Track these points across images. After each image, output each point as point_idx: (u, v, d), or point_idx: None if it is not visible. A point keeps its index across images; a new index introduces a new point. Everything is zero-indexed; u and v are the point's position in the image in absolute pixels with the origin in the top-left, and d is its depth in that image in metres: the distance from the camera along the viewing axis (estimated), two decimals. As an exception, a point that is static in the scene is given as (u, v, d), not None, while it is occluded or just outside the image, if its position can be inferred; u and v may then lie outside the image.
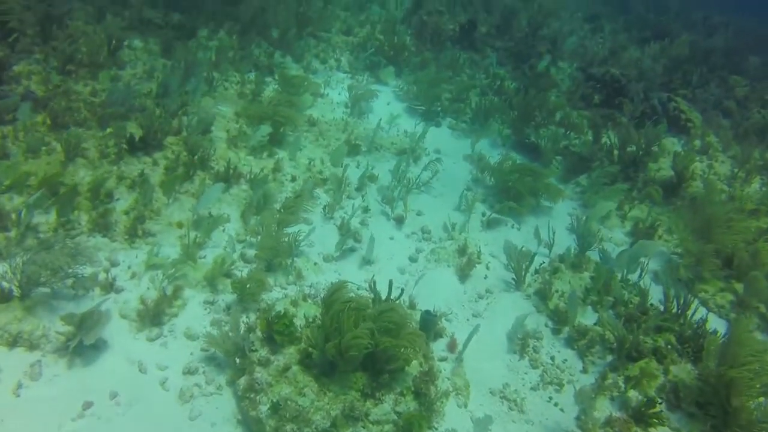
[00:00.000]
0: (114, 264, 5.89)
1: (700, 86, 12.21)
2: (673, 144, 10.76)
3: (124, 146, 7.23)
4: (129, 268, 5.89)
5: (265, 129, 8.21)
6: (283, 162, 8.21)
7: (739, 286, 7.68)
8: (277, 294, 6.07)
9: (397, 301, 5.61)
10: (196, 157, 7.39)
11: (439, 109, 11.06)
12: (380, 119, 9.81)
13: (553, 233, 7.80)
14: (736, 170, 10.05)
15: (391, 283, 5.80)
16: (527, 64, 12.52)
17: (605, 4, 19.88)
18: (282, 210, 7.00)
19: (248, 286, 5.75)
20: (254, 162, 8.03)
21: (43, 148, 6.93)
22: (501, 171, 8.90)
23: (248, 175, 7.54)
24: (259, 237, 6.51)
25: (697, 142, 10.73)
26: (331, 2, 14.85)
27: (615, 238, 8.51)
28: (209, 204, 6.77)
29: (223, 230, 6.77)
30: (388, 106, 11.08)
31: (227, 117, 8.84)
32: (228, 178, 7.40)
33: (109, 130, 7.47)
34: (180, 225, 6.56)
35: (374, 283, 5.84)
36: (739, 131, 11.26)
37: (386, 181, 8.55)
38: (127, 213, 6.45)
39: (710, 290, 7.67)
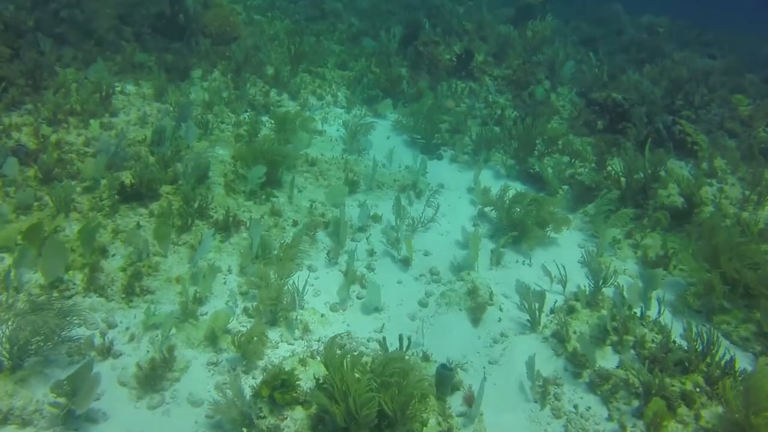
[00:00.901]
0: (111, 326, 5.60)
1: (702, 107, 12.03)
2: (681, 168, 10.54)
3: (118, 198, 6.99)
4: (127, 329, 5.59)
5: (260, 170, 7.96)
6: (283, 206, 7.97)
7: (759, 315, 7.38)
8: (284, 350, 5.76)
9: (408, 353, 5.32)
10: (193, 205, 7.14)
11: (440, 141, 10.86)
12: (374, 156, 9.60)
13: (564, 269, 7.51)
14: (747, 192, 9.81)
15: (401, 338, 5.51)
16: (527, 92, 12.35)
17: (598, 26, 19.87)
18: (281, 258, 6.73)
19: (250, 343, 5.45)
20: (254, 207, 7.78)
21: (35, 203, 6.68)
22: (504, 205, 8.63)
23: (248, 222, 7.29)
24: (260, 289, 6.23)
25: (705, 165, 10.52)
26: (325, 37, 14.79)
27: (629, 269, 8.22)
28: (205, 255, 6.50)
29: (224, 282, 6.49)
30: (387, 140, 10.89)
31: (224, 161, 8.61)
32: (228, 226, 7.14)
33: (103, 181, 7.23)
34: (179, 280, 6.28)
35: (384, 339, 5.55)
36: (746, 152, 11.05)
37: (390, 220, 8.29)
38: (123, 270, 6.18)
39: (732, 321, 7.37)
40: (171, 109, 9.58)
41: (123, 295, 5.92)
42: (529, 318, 6.78)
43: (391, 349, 5.66)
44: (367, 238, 7.85)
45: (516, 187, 9.81)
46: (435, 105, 11.82)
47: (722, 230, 8.04)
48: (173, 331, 5.56)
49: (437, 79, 12.71)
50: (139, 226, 6.76)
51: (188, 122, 8.88)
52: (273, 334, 5.91)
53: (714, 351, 6.26)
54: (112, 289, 5.94)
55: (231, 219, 7.18)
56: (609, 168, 10.02)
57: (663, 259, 8.34)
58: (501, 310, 6.99)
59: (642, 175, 9.44)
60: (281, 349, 5.76)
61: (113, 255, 6.35)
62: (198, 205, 7.22)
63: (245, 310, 6.15)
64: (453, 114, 11.52)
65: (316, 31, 15.06)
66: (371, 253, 7.57)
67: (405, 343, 5.66)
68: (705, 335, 6.31)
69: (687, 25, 21.36)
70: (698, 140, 10.58)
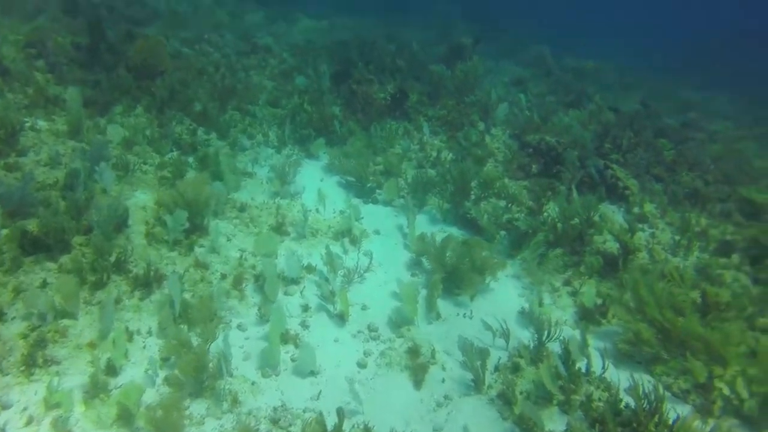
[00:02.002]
0: (5, 406, 4.87)
1: (629, 151, 12.29)
2: (613, 212, 10.64)
3: (21, 250, 6.26)
4: (25, 410, 4.88)
5: (182, 216, 7.39)
6: (211, 257, 7.41)
7: (695, 364, 7.36)
8: (211, 427, 5.19)
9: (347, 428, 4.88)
10: (109, 259, 6.49)
11: (374, 184, 10.56)
12: (307, 201, 9.20)
13: (506, 324, 7.27)
14: (677, 238, 9.96)
15: (340, 413, 5.07)
16: (461, 133, 12.27)
17: (527, 68, 20.32)
18: (203, 318, 6.18)
19: (168, 421, 4.87)
20: (178, 259, 7.18)
21: None
22: (439, 254, 8.35)
23: (173, 276, 6.69)
24: (180, 354, 5.65)
25: (637, 210, 10.66)
26: (256, 72, 14.35)
27: (569, 320, 8.08)
28: (111, 323, 5.84)
29: (144, 347, 5.86)
30: (321, 182, 10.50)
31: (146, 206, 7.97)
32: (149, 281, 6.52)
33: (4, 231, 6.48)
34: (92, 346, 5.61)
35: (321, 414, 5.08)
36: (671, 196, 11.30)
37: (326, 270, 7.85)
38: (24, 336, 5.46)
39: (671, 372, 7.30)
40: (87, 148, 8.86)
41: (22, 368, 5.20)
42: (473, 377, 6.47)
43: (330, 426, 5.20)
44: (300, 292, 7.38)
45: (452, 233, 9.62)
46: (369, 146, 11.57)
47: (649, 280, 8.03)
48: (81, 409, 4.90)
49: (371, 119, 12.45)
50: (45, 283, 6.05)
51: (105, 163, 8.19)
52: (198, 408, 5.33)
53: (662, 409, 6.12)
54: (8, 361, 5.22)
55: (152, 273, 6.57)
56: (545, 213, 9.98)
57: (600, 307, 8.26)
58: (444, 369, 6.65)
59: (578, 220, 9.43)
60: (207, 426, 5.18)
61: (12, 318, 5.63)
62: (115, 258, 6.58)
63: (167, 379, 5.54)
64: (389, 155, 11.27)
65: (247, 66, 14.60)
66: (305, 308, 7.10)
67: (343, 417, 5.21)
68: (652, 394, 6.17)
69: (611, 68, 22.16)
70: (629, 185, 10.73)
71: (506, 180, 11.14)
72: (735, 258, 9.73)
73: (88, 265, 6.36)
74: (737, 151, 14.00)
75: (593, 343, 7.54)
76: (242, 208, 8.76)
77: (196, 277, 6.97)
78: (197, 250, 7.51)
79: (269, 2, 23.34)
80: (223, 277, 7.15)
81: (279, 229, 8.49)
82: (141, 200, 8.08)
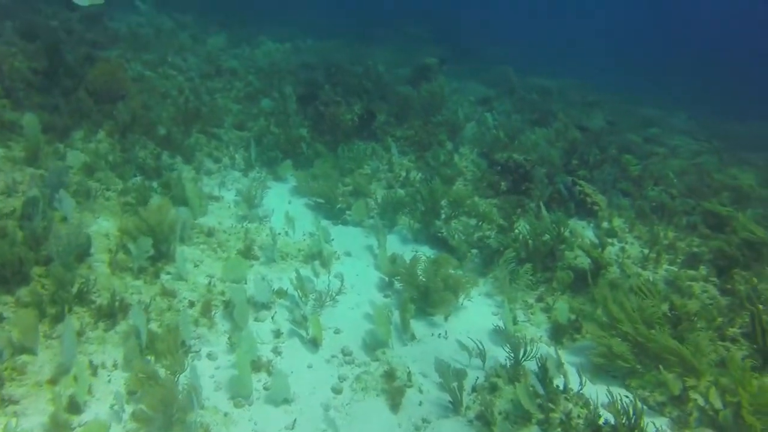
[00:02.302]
0: (-41, 451, 4.59)
1: (596, 167, 12.45)
2: (583, 228, 10.71)
3: (-22, 284, 5.98)
4: (-20, 455, 4.61)
5: (146, 242, 7.17)
6: (178, 284, 7.18)
7: (668, 377, 7.37)
8: (181, 462, 4.97)
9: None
10: (71, 290, 6.24)
11: (344, 205, 10.45)
12: (276, 224, 9.05)
13: (482, 344, 7.20)
14: (646, 251, 10.06)
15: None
16: (430, 153, 12.28)
17: (491, 87, 20.55)
18: (170, 348, 5.96)
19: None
20: (144, 288, 6.94)
21: None
22: (410, 274, 8.26)
23: (140, 306, 6.45)
24: (147, 387, 5.41)
25: (606, 225, 10.75)
26: (221, 95, 14.19)
27: (545, 336, 8.05)
28: (73, 354, 5.58)
29: (109, 381, 5.61)
30: (289, 204, 10.37)
31: (109, 234, 7.72)
32: (113, 312, 6.27)
33: (-41, 264, 6.18)
34: (53, 383, 5.34)
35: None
36: (639, 211, 11.44)
37: (296, 295, 7.68)
38: (-20, 375, 5.18)
39: (647, 386, 7.29)
40: (46, 175, 8.57)
41: (-22, 408, 4.92)
42: (450, 399, 6.36)
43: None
44: (272, 317, 7.19)
45: (424, 252, 9.57)
46: (337, 167, 11.50)
47: (619, 296, 8.05)
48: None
49: (339, 140, 12.38)
50: (1, 318, 5.77)
51: (64, 190, 7.92)
52: (167, 443, 5.10)
53: (641, 424, 6.09)
54: (-37, 402, 4.93)
55: (117, 303, 6.32)
56: (516, 230, 9.99)
57: (574, 323, 8.25)
58: (421, 391, 6.52)
59: (548, 237, 9.45)
60: (178, 462, 4.97)
61: (-32, 356, 5.34)
62: (77, 289, 6.32)
63: (134, 414, 5.29)
64: (358, 176, 11.20)
65: (212, 89, 14.43)
66: (277, 334, 6.92)
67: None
68: (630, 409, 6.13)
69: (573, 86, 22.55)
70: (597, 200, 10.84)
71: (476, 198, 11.15)
72: (702, 270, 9.87)
73: (47, 298, 6.10)
74: (698, 165, 14.31)
75: (569, 358, 7.52)
76: (209, 233, 8.56)
77: (162, 306, 6.74)
78: (163, 277, 7.28)
79: (232, 25, 23.28)
80: (191, 304, 6.93)
81: (248, 253, 8.31)
82: (104, 227, 7.83)
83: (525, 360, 6.99)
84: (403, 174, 11.71)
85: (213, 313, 6.91)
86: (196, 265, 7.77)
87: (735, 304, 8.95)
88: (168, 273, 7.39)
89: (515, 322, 8.14)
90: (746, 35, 49.31)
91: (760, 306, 8.80)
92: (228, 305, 7.10)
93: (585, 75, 24.56)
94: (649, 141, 16.26)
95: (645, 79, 29.25)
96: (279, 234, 9.09)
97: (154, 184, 9.49)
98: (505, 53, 26.44)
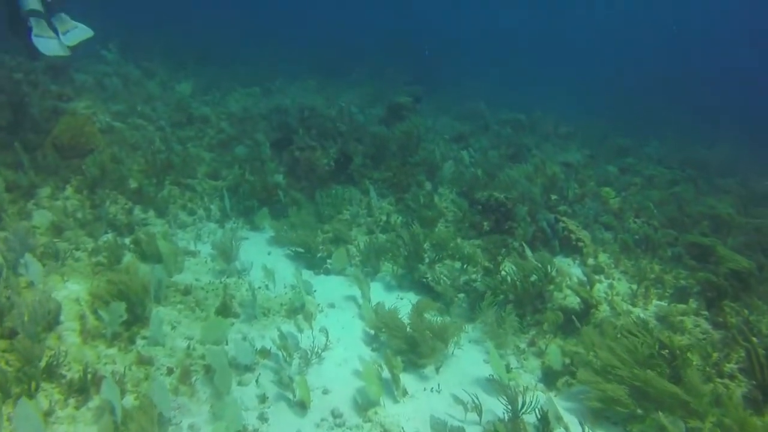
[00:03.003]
0: None
1: (576, 201, 12.37)
2: (569, 266, 10.55)
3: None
4: None
5: (119, 307, 6.77)
6: (155, 350, 6.79)
7: (666, 422, 7.12)
8: None
9: None
10: (38, 365, 5.81)
11: (325, 254, 10.16)
12: (255, 278, 8.72)
13: (477, 397, 6.89)
14: (634, 287, 9.92)
15: None
16: (409, 195, 12.08)
17: (465, 123, 20.59)
18: (148, 422, 5.55)
19: None
20: (118, 356, 6.53)
21: None
22: (396, 326, 7.96)
23: (114, 377, 6.04)
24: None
25: (591, 261, 10.61)
26: (193, 144, 13.90)
27: (540, 384, 7.77)
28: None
29: (82, 467, 5.19)
30: (269, 255, 10.05)
31: (80, 299, 7.31)
32: (86, 386, 5.85)
33: None
34: (18, 472, 4.90)
35: None
36: (622, 245, 11.34)
37: (282, 353, 7.32)
38: (-62, 469, 4.72)
39: (648, 431, 7.05)
40: (10, 237, 8.16)
41: None
42: (449, 461, 6.03)
43: None
44: (256, 380, 6.81)
45: (409, 299, 9.29)
46: (315, 214, 11.24)
47: (608, 343, 7.81)
48: None
49: (316, 186, 12.14)
50: (-37, 401, 5.33)
51: (30, 254, 7.52)
52: None
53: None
54: None
55: (89, 376, 5.91)
56: (503, 272, 9.79)
57: (569, 367, 8.00)
58: (418, 454, 6.18)
59: (536, 277, 9.25)
60: None
61: (-76, 448, 4.88)
62: (46, 363, 5.90)
63: (109, 503, 4.87)
64: (338, 222, 10.95)
65: (183, 138, 14.14)
66: (262, 398, 6.53)
67: None
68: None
69: (544, 118, 22.71)
70: (581, 236, 10.71)
71: (459, 240, 10.95)
72: (692, 303, 9.74)
73: (12, 375, 5.66)
74: (676, 195, 14.36)
75: (567, 404, 7.27)
76: (186, 291, 8.18)
77: (139, 375, 6.33)
78: (139, 343, 6.88)
79: (200, 70, 23.13)
80: (170, 371, 6.53)
81: (227, 311, 7.95)
82: (74, 292, 7.41)
83: (524, 413, 6.70)
84: (384, 218, 11.48)
85: (193, 379, 6.52)
86: (173, 327, 7.39)
87: (728, 337, 8.81)
88: (144, 338, 6.99)
89: (509, 369, 7.87)
90: (706, 62, 50.86)
91: (754, 339, 8.69)
92: (209, 370, 6.71)
93: (554, 106, 24.77)
94: (625, 171, 16.33)
95: (613, 108, 29.66)
96: (259, 288, 8.76)
97: (127, 241, 9.11)
98: (476, 87, 26.63)
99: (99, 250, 8.56)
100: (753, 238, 12.08)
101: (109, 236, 9.13)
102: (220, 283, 8.68)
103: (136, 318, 7.13)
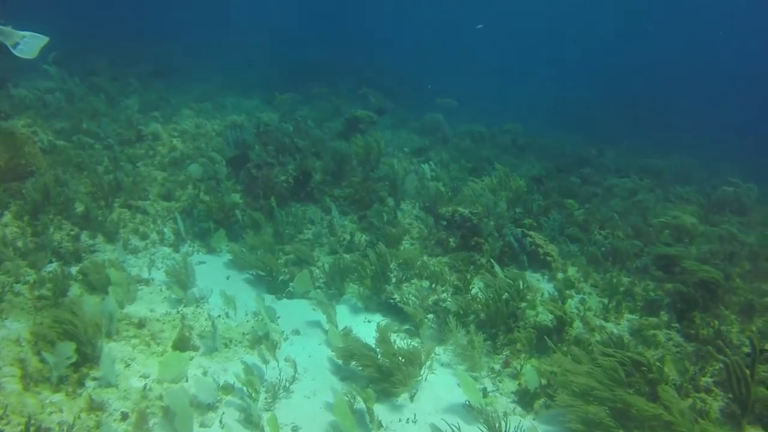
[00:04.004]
0: None
1: (541, 214, 12.23)
2: (538, 281, 10.35)
3: None
4: None
5: (67, 348, 6.18)
6: (107, 392, 6.21)
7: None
8: None
9: None
10: (-26, 418, 5.21)
11: (287, 276, 9.70)
12: (215, 307, 8.21)
13: (456, 426, 6.56)
14: (605, 301, 9.77)
15: None
16: (372, 211, 11.72)
17: (424, 136, 20.39)
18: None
19: None
20: (66, 403, 5.94)
21: None
22: (364, 353, 7.56)
23: (61, 429, 5.47)
24: None
25: (561, 276, 10.44)
26: (144, 163, 13.25)
27: (518, 408, 7.47)
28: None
29: None
30: (228, 280, 9.54)
31: (20, 339, 6.67)
32: (27, 440, 5.26)
33: None
34: None
35: None
36: (590, 257, 11.22)
37: (246, 387, 6.83)
38: None
39: (631, 455, 6.84)
40: (-58, 272, 7.48)
41: None
42: (431, 501, 5.65)
43: None
44: (219, 420, 6.31)
45: (376, 321, 8.93)
46: (276, 234, 10.77)
47: (584, 368, 7.59)
48: None
49: (276, 204, 11.66)
50: None
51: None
52: None
53: None
54: None
55: (32, 429, 5.32)
56: (473, 290, 9.51)
57: (545, 388, 7.74)
58: (396, 494, 5.79)
59: (507, 295, 8.99)
60: None
61: None
62: (-19, 416, 5.29)
63: None
64: (300, 242, 10.51)
65: (133, 156, 13.46)
66: (228, 441, 6.05)
67: None
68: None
69: (501, 130, 22.72)
70: (549, 250, 10.53)
71: (425, 258, 10.63)
72: (663, 316, 9.65)
73: (-56, 432, 5.05)
74: (638, 204, 14.41)
75: (546, 428, 7.00)
76: (140, 324, 7.60)
77: (89, 424, 5.75)
78: (89, 385, 6.29)
79: (150, 84, 22.38)
80: (124, 417, 5.97)
81: (186, 344, 7.40)
82: (13, 332, 6.76)
83: (503, 440, 6.39)
84: (347, 237, 11.08)
85: (151, 423, 5.98)
86: (127, 365, 6.81)
87: (702, 350, 8.72)
88: (94, 379, 6.40)
89: (485, 394, 7.56)
90: (657, 71, 52.36)
91: (728, 350, 8.62)
92: (168, 412, 6.17)
93: (511, 118, 24.84)
94: (586, 182, 16.35)
95: (568, 118, 30.06)
96: (219, 317, 8.25)
97: (73, 271, 8.47)
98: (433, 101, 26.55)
99: (42, 283, 7.92)
100: (717, 247, 12.17)
101: (54, 266, 8.48)
102: (177, 313, 8.13)
103: (85, 358, 6.53)
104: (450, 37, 57.87)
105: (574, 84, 42.34)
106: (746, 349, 8.89)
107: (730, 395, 7.68)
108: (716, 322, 9.35)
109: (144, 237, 10.11)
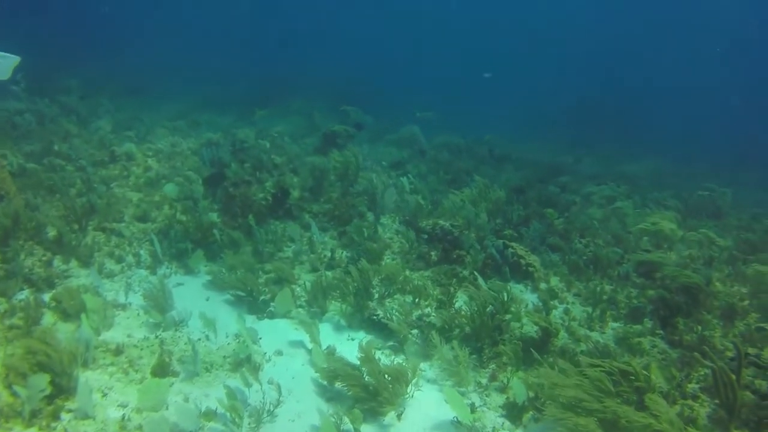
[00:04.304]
0: None
1: (521, 224, 12.21)
2: (521, 292, 10.31)
3: None
4: None
5: (41, 380, 5.96)
6: (84, 424, 5.99)
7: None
8: None
9: None
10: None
11: (268, 296, 9.52)
12: (195, 330, 8.02)
13: (447, 444, 6.45)
14: (589, 310, 9.75)
15: None
16: (351, 227, 11.60)
17: (403, 149, 20.35)
18: None
19: None
20: (39, 438, 5.71)
21: None
22: (350, 373, 7.42)
23: (32, 465, 5.25)
24: None
25: (544, 286, 10.40)
26: (118, 184, 13.00)
27: (507, 423, 7.37)
28: None
29: None
30: (207, 301, 9.34)
31: (-8, 372, 6.42)
32: (-1, 479, 5.03)
33: None
34: None
35: None
36: (572, 266, 11.21)
37: (229, 413, 6.63)
38: None
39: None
40: None
41: None
42: None
43: None
44: (202, 449, 6.13)
45: (360, 338, 8.79)
46: (255, 253, 10.60)
47: (571, 381, 7.53)
48: None
49: (254, 223, 11.48)
50: None
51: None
52: None
53: None
54: None
55: (4, 467, 5.09)
56: (457, 303, 9.43)
57: (533, 401, 7.66)
58: None
59: (492, 308, 8.91)
60: None
61: None
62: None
63: None
64: (280, 261, 10.35)
65: (107, 177, 13.19)
66: (211, 471, 5.86)
67: None
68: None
69: (477, 141, 22.78)
70: (531, 261, 10.49)
71: (408, 272, 10.53)
72: (647, 323, 9.65)
73: None
74: (617, 210, 14.48)
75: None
76: (118, 351, 7.37)
77: (64, 460, 5.54)
78: (64, 418, 6.06)
79: (122, 103, 22.09)
80: (102, 450, 5.76)
81: (165, 370, 7.19)
82: (-16, 364, 6.52)
83: (495, 459, 6.28)
84: (328, 254, 10.93)
85: (129, 455, 5.77)
86: (104, 395, 6.59)
87: (686, 356, 8.72)
88: (70, 411, 6.17)
89: (473, 409, 7.44)
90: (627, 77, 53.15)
91: (714, 356, 8.62)
92: (148, 443, 5.97)
93: (488, 129, 24.96)
94: (564, 190, 16.41)
95: (541, 128, 30.28)
96: (199, 340, 8.05)
97: (46, 298, 8.21)
98: (408, 111, 26.57)
99: (13, 311, 7.66)
100: (696, 252, 12.25)
101: (26, 294, 8.22)
102: (156, 337, 7.91)
103: (60, 389, 6.30)
104: (427, 48, 58.37)
105: (549, 94, 42.75)
106: (730, 354, 8.93)
107: (717, 401, 7.68)
108: (699, 328, 9.37)
109: (120, 260, 9.87)
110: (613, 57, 58.11)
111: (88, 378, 6.68)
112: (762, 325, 9.91)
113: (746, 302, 10.65)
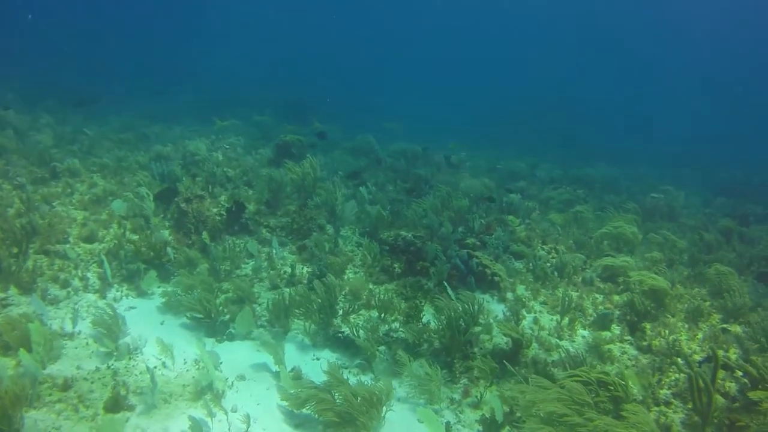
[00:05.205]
0: None
1: (483, 232, 12.05)
2: (488, 302, 10.11)
3: None
4: None
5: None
6: (29, 472, 5.45)
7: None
8: None
9: None
10: None
11: (227, 317, 9.05)
12: (150, 359, 7.51)
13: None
14: (557, 318, 9.62)
15: None
16: (310, 240, 11.22)
17: (359, 158, 20.05)
18: None
19: None
20: (-21, 491, 5.15)
21: None
22: (320, 398, 7.04)
23: None
24: None
25: (510, 296, 10.24)
26: (60, 202, 12.27)
27: (483, 441, 7.13)
28: None
29: None
30: (162, 325, 8.81)
31: None
32: None
33: None
34: None
35: None
36: (538, 274, 11.09)
37: (190, 449, 6.19)
38: None
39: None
40: None
41: None
42: None
43: None
44: (163, 491, 5.66)
45: (325, 357, 8.44)
46: (212, 272, 10.11)
47: (548, 395, 7.34)
48: None
49: (209, 240, 10.98)
50: None
51: None
52: None
53: None
54: None
55: None
56: (424, 317, 9.15)
57: (509, 415, 7.44)
58: None
59: (462, 322, 8.66)
60: None
61: None
62: None
63: None
64: (238, 279, 9.88)
65: (48, 196, 12.44)
66: None
67: None
68: None
69: (433, 147, 22.66)
70: (497, 270, 10.31)
71: (371, 286, 10.21)
72: (615, 329, 9.58)
73: None
74: (577, 214, 14.50)
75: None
76: (66, 386, 6.80)
77: None
78: (7, 465, 5.51)
79: (66, 120, 21.13)
80: (51, 500, 5.23)
81: (119, 404, 6.67)
82: None
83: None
84: (288, 270, 10.51)
85: (82, 503, 5.26)
86: (51, 436, 6.04)
87: (656, 361, 8.67)
88: (13, 458, 5.62)
89: (448, 429, 7.17)
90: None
91: (678, 359, 8.61)
92: (102, 487, 5.47)
93: (442, 136, 24.94)
94: (523, 196, 16.38)
95: (494, 134, 30.53)
96: (156, 368, 7.53)
97: (-16, 329, 7.56)
98: (362, 118, 26.40)
99: (-53, 347, 7.01)
100: (658, 255, 12.31)
101: (-39, 326, 7.54)
102: (108, 368, 7.36)
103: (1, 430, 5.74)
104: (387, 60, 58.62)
105: (511, 103, 43.46)
106: (698, 357, 8.91)
107: (690, 406, 7.63)
108: (666, 332, 9.35)
109: (65, 285, 9.22)
110: (568, 69, 59.67)
111: (32, 418, 6.12)
112: (725, 326, 9.99)
113: (707, 303, 10.72)
